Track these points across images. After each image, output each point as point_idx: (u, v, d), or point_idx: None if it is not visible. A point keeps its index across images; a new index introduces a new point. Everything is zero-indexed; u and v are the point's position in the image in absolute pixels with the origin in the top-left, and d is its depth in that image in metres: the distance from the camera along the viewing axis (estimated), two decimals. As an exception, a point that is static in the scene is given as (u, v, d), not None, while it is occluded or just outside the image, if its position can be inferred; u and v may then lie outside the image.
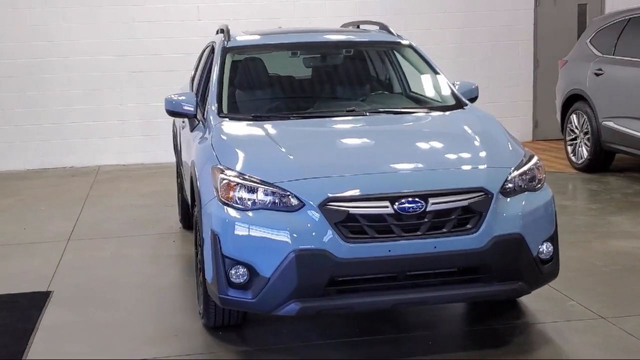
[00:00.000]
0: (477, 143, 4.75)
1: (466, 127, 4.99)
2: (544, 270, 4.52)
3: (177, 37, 11.38)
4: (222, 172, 4.50)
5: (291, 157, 4.55)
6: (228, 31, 6.17)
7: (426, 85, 5.86)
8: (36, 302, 5.56)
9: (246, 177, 4.40)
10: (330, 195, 4.20)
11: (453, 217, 4.25)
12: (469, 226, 4.27)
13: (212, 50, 6.43)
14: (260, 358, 4.56)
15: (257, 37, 6.30)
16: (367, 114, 5.31)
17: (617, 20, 9.47)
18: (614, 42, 9.38)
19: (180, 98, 5.60)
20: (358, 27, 6.97)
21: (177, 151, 7.40)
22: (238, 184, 4.39)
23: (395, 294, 4.27)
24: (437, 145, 4.85)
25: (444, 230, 4.24)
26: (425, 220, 4.22)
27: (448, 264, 4.27)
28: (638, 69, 8.77)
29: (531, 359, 4.45)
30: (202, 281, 4.70)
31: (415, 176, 4.39)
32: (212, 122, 5.23)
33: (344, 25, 7.34)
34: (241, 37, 6.16)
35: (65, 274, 6.25)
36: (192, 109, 5.57)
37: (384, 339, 4.73)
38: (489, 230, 4.26)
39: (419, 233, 4.22)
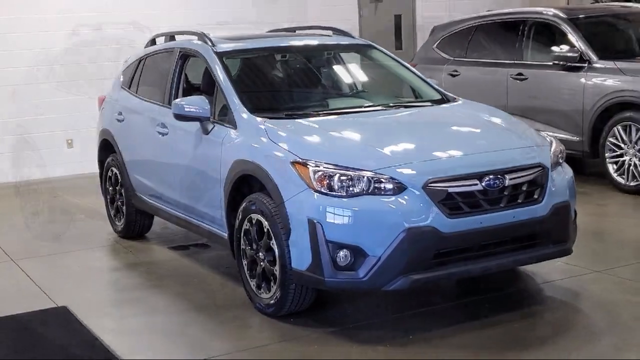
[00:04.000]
0: (514, 127, 5.46)
1: (491, 116, 5.68)
2: (574, 231, 5.33)
3: (24, 49, 10.97)
4: (311, 165, 4.80)
5: (374, 146, 4.96)
6: (208, 36, 6.37)
7: (408, 83, 6.46)
8: (65, 317, 5.43)
9: (341, 167, 4.75)
10: (432, 177, 4.69)
11: (524, 189, 4.92)
12: (535, 196, 4.96)
13: (183, 56, 6.58)
14: (354, 336, 4.88)
15: (241, 41, 6.55)
16: (391, 107, 5.85)
17: (465, 27, 10.62)
18: (465, 46, 10.53)
19: (192, 103, 5.75)
20: (294, 31, 7.41)
21: (119, 161, 7.37)
22: (335, 174, 4.73)
23: (484, 261, 4.85)
24: (488, 130, 5.48)
25: (519, 201, 4.90)
26: (505, 194, 4.85)
27: (522, 230, 4.92)
28: (491, 69, 9.98)
29: (577, 307, 5.22)
30: (281, 270, 4.94)
31: (494, 156, 4.98)
32: (248, 122, 5.46)
33: (272, 31, 7.72)
34: (221, 42, 6.36)
35: (58, 290, 6.08)
36: (207, 113, 5.74)
37: (445, 308, 5.29)
38: (550, 200, 4.99)
39: (501, 205, 4.84)
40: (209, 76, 6.37)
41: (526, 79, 9.46)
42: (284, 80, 6.42)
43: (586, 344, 4.65)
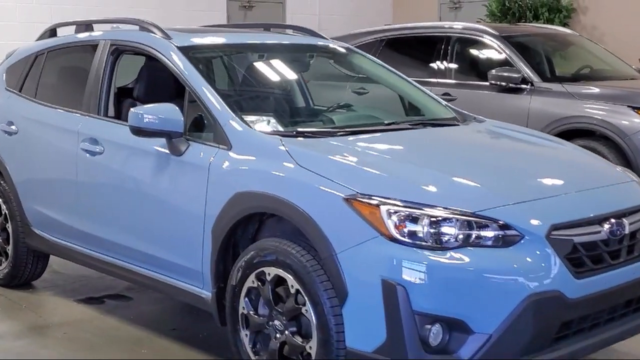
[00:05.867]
0: (594, 156, 4.38)
1: (556, 142, 4.59)
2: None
3: None
4: (383, 203, 3.43)
5: (461, 178, 3.65)
6: (158, 25, 4.84)
7: (409, 96, 5.21)
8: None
9: (428, 206, 3.41)
10: (556, 222, 3.46)
11: (640, 237, 3.81)
12: (650, 246, 3.85)
13: (116, 51, 4.99)
14: None
15: (200, 35, 5.02)
16: (418, 126, 4.59)
17: (371, 41, 9.52)
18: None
19: (157, 113, 4.20)
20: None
21: (7, 186, 5.58)
22: (422, 216, 3.38)
23: (602, 332, 3.67)
24: (578, 161, 4.33)
25: (635, 253, 3.77)
26: (624, 243, 3.71)
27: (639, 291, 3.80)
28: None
29: None
30: (323, 347, 3.53)
31: (607, 194, 3.83)
32: (252, 140, 4.03)
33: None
34: (176, 34, 4.83)
35: None
36: (179, 126, 4.21)
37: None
38: (665, 249, 3.91)
39: (621, 260, 3.69)
40: (153, 78, 4.88)
41: (454, 99, 8.47)
42: (269, 87, 4.97)
43: None
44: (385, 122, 4.56)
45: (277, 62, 5.05)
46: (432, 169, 3.76)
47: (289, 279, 3.68)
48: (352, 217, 3.47)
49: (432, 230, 3.36)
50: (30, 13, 10.50)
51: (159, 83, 5.06)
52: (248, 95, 4.77)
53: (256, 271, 3.84)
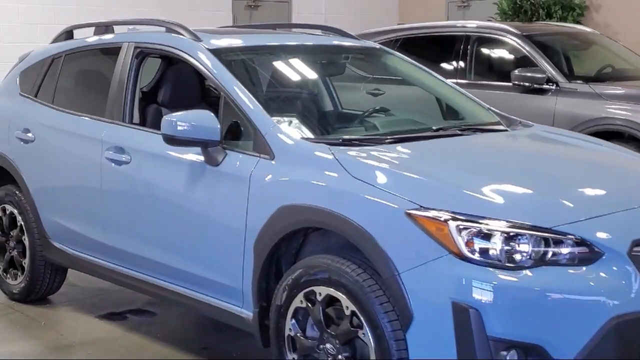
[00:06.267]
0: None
1: (608, 146, 4.36)
2: None
3: None
4: (452, 218, 3.17)
5: (531, 190, 3.40)
6: (186, 26, 4.57)
7: (451, 99, 4.96)
8: None
9: (501, 222, 3.15)
10: (637, 237, 3.20)
11: None
12: None
13: (140, 54, 4.71)
14: None
15: (236, 36, 4.76)
16: (465, 131, 4.32)
17: (386, 40, 9.24)
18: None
19: (192, 120, 3.92)
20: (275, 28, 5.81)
21: (22, 196, 5.29)
22: (494, 232, 3.12)
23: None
24: (624, 168, 4.08)
25: None
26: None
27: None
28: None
29: None
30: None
31: None
32: (298, 149, 3.76)
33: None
34: (205, 35, 4.55)
35: None
36: (216, 134, 3.94)
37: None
38: None
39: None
40: (179, 82, 4.62)
41: (476, 100, 8.21)
42: (308, 91, 4.71)
43: None
44: (433, 127, 4.28)
45: (313, 65, 4.80)
46: (497, 180, 3.49)
47: (343, 299, 3.42)
48: (415, 233, 3.21)
49: (505, 248, 3.10)
50: (33, 14, 10.21)
51: (186, 87, 4.81)
52: (287, 101, 4.50)
53: (304, 290, 3.57)
